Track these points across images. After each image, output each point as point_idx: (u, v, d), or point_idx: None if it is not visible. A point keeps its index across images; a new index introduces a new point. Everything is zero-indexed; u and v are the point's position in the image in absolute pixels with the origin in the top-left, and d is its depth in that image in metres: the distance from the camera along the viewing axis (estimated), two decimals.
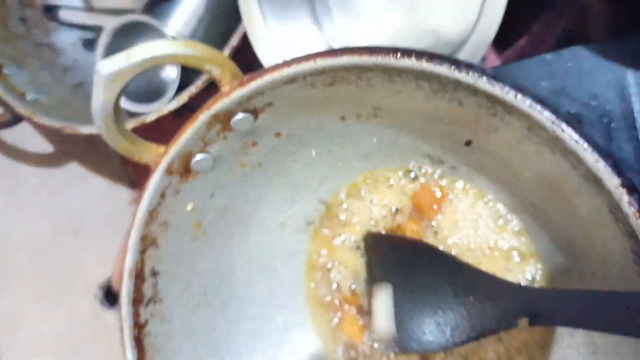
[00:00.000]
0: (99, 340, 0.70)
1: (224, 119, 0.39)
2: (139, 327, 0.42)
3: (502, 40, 0.51)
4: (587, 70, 0.45)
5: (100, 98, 0.36)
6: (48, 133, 0.72)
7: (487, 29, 0.42)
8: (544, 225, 0.40)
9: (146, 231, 0.41)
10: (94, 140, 0.74)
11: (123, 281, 0.41)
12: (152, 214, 0.41)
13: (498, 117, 0.34)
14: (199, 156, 0.41)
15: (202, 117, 0.38)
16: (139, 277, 0.41)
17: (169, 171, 0.40)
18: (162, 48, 0.35)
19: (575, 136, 0.28)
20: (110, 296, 0.71)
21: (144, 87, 0.61)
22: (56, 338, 0.68)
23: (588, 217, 0.34)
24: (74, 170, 0.74)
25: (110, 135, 0.38)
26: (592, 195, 0.31)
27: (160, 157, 0.39)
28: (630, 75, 0.43)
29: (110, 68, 0.34)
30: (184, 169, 0.41)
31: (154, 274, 0.42)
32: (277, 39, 0.51)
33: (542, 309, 0.33)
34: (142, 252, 0.41)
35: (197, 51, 0.36)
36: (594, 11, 0.50)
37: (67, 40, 0.70)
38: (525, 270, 0.41)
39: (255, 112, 0.39)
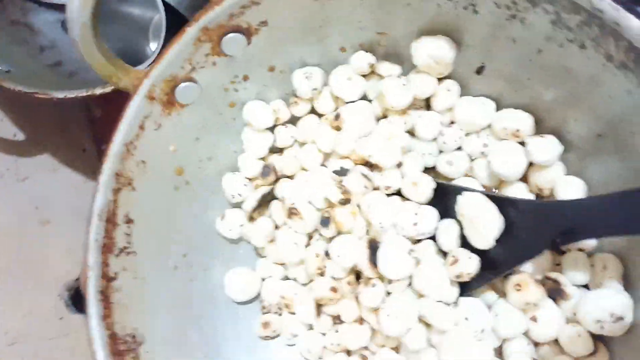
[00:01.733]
0: (61, 344, 0.63)
1: (214, 37, 0.35)
2: (107, 279, 0.36)
3: None
4: None
5: (76, 1, 0.32)
6: (19, 117, 0.67)
7: None
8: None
9: (121, 167, 0.36)
10: (69, 131, 0.70)
11: (91, 224, 0.36)
12: (128, 148, 0.36)
13: (518, 20, 0.31)
14: (184, 84, 0.37)
15: (190, 30, 0.34)
16: (110, 221, 0.36)
17: (150, 97, 0.36)
18: None
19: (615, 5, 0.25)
20: (77, 299, 0.65)
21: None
22: (15, 336, 0.61)
23: (620, 120, 0.30)
24: (45, 160, 0.69)
25: (86, 48, 0.34)
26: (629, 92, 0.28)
27: (141, 81, 0.35)
28: None
29: None
30: (167, 97, 0.37)
31: (129, 220, 0.37)
32: None
33: (574, 222, 0.29)
34: (116, 191, 0.36)
35: None
36: None
37: (45, 20, 0.66)
38: None
39: (248, 33, 0.36)
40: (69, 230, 0.66)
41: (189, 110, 0.38)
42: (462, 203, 0.34)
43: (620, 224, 0.27)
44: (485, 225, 0.33)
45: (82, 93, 0.51)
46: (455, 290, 0.35)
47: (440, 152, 0.39)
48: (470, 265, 0.34)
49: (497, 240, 0.33)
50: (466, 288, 0.36)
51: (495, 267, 0.34)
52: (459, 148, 0.39)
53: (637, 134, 0.30)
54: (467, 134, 0.38)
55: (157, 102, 0.36)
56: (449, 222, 0.35)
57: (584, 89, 0.31)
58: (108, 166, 0.36)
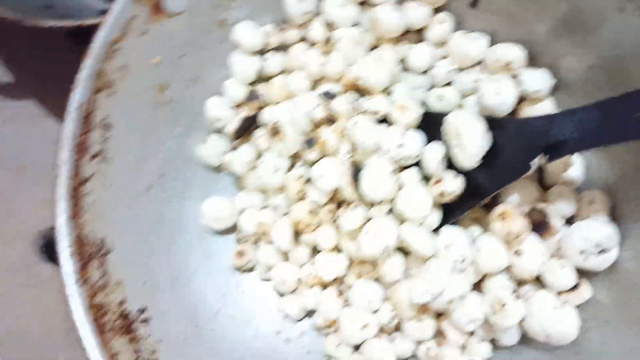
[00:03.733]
0: (27, 295, 0.61)
1: None
2: (79, 181, 0.35)
3: None
4: None
5: None
6: (8, 61, 0.66)
7: None
8: None
9: (103, 67, 0.35)
10: (56, 81, 0.69)
11: (67, 120, 0.35)
12: (111, 48, 0.35)
13: None
14: None
15: None
16: (87, 120, 0.35)
17: None
18: None
19: None
20: (51, 248, 0.62)
21: None
22: None
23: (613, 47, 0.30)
24: (31, 107, 0.67)
25: None
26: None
27: None
28: None
29: None
30: (154, 1, 0.36)
31: (106, 126, 0.36)
32: None
33: (560, 135, 0.29)
34: (95, 91, 0.35)
35: None
36: None
37: None
38: None
39: None
40: (46, 181, 0.64)
41: (176, 22, 0.37)
42: (450, 121, 0.33)
43: (601, 133, 0.27)
44: (471, 141, 0.32)
45: (69, 23, 0.50)
46: (438, 216, 0.34)
47: (431, 88, 0.39)
48: (454, 184, 0.33)
49: (483, 164, 0.32)
50: (450, 217, 0.34)
51: (480, 192, 0.33)
52: (450, 84, 0.38)
53: (628, 59, 0.29)
54: (459, 70, 0.38)
55: (144, 4, 0.35)
56: (435, 144, 0.34)
57: (576, 16, 0.31)
58: (89, 62, 0.35)
